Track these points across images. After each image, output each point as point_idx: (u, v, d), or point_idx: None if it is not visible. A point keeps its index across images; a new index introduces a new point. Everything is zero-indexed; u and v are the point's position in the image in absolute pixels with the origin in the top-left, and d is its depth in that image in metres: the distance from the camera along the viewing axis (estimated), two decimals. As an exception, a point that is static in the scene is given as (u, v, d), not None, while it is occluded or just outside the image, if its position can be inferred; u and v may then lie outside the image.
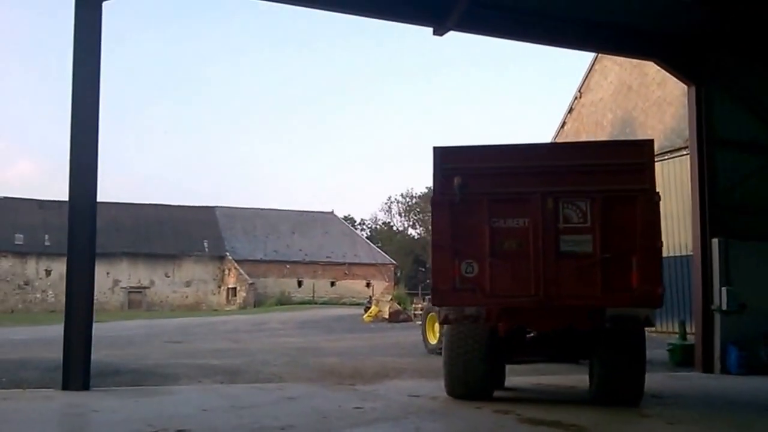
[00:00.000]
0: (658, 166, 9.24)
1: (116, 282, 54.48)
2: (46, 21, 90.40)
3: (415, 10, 11.76)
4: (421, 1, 11.72)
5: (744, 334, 12.62)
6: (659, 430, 7.60)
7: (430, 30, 11.88)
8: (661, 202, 8.26)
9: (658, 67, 19.64)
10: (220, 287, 57.78)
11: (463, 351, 8.66)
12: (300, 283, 58.40)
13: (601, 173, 8.31)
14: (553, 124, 24.92)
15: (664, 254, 8.69)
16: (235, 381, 11.02)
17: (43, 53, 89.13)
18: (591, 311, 8.18)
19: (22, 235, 52.52)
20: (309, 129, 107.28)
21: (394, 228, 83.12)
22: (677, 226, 16.93)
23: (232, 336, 23.24)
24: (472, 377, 8.71)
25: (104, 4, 9.88)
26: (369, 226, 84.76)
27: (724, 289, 12.79)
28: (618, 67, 21.53)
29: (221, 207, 62.28)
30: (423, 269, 76.30)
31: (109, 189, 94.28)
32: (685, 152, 16.34)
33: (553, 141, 23.60)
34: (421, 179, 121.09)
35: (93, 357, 9.81)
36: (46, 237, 49.98)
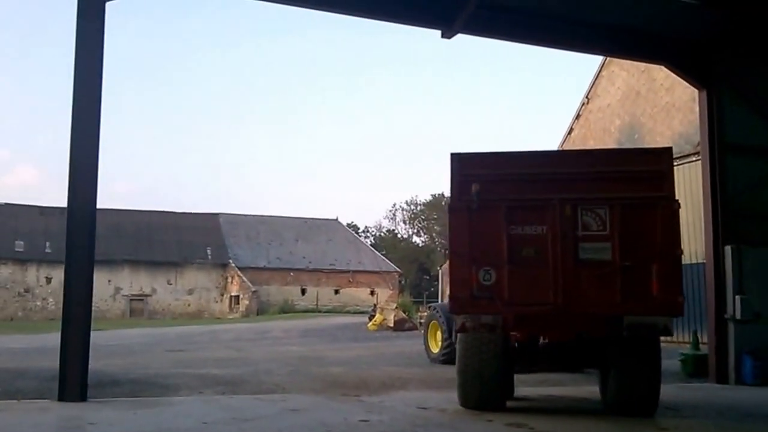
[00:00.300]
0: (667, 172, 9.09)
1: (117, 289, 54.25)
2: (49, 26, 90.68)
3: (423, 13, 11.65)
4: (430, 4, 11.58)
5: (759, 344, 12.32)
6: (678, 444, 7.33)
7: (438, 33, 11.72)
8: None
9: (666, 73, 19.52)
10: (222, 295, 57.51)
11: (478, 360, 8.51)
12: (303, 291, 58.10)
13: (620, 181, 8.27)
14: (560, 130, 24.79)
15: (676, 262, 8.50)
16: (237, 392, 10.73)
17: (46, 58, 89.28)
18: (609, 320, 8.07)
19: (22, 242, 52.22)
20: (314, 136, 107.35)
21: (399, 235, 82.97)
22: (688, 234, 16.59)
23: (235, 345, 23.01)
24: (487, 387, 8.57)
25: (108, 4, 9.66)
26: (373, 233, 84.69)
27: (737, 297, 12.52)
28: (625, 73, 21.32)
29: (225, 214, 62.10)
30: (428, 277, 76.12)
31: (112, 195, 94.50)
32: (694, 158, 16.11)
33: (560, 147, 23.42)
34: (426, 186, 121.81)
35: (92, 366, 9.56)
36: (47, 244, 49.60)
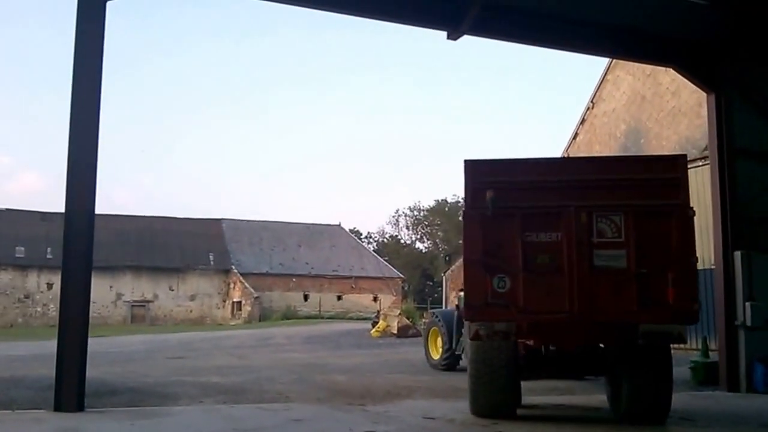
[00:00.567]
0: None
1: (119, 295, 54.13)
2: (52, 32, 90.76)
3: (429, 15, 11.50)
4: (435, 5, 11.43)
5: (770, 351, 12.10)
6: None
7: (444, 34, 11.58)
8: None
9: (672, 77, 19.34)
10: (224, 301, 57.30)
11: (489, 368, 8.49)
12: (306, 297, 57.86)
13: (635, 188, 8.25)
14: (564, 135, 24.55)
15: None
16: (239, 401, 10.50)
17: (51, 62, 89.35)
18: (623, 327, 8.06)
19: (23, 248, 52.17)
20: (317, 141, 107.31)
21: (402, 241, 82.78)
22: (696, 239, 16.39)
23: (237, 351, 22.78)
24: (498, 395, 8.56)
25: (108, 4, 9.47)
26: (376, 239, 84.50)
27: (747, 304, 12.29)
28: (630, 77, 21.12)
29: (228, 219, 61.96)
30: (431, 283, 75.90)
31: (115, 201, 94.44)
32: (701, 163, 15.89)
33: (565, 152, 23.22)
34: (430, 192, 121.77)
35: (90, 374, 9.32)
36: (48, 250, 49.42)
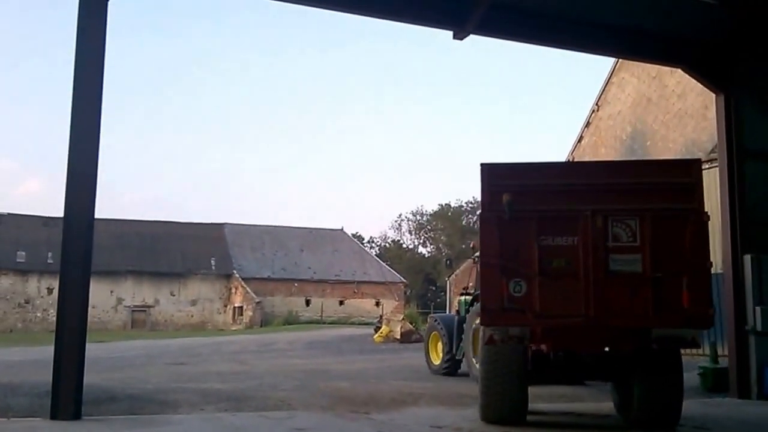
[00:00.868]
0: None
1: (120, 300, 53.94)
2: (55, 37, 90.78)
3: (435, 14, 11.36)
4: (441, 4, 11.28)
5: (782, 357, 11.86)
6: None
7: (450, 34, 11.43)
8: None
9: (678, 80, 19.19)
10: (226, 306, 57.05)
11: (501, 373, 8.48)
12: (308, 302, 57.58)
13: (650, 192, 8.26)
14: (569, 138, 24.35)
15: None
16: (241, 408, 10.26)
17: (54, 69, 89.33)
18: (637, 332, 8.07)
19: (24, 253, 52.02)
20: (319, 146, 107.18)
21: (404, 246, 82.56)
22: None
23: (238, 357, 22.56)
24: (510, 401, 8.55)
25: (110, 3, 9.27)
26: (378, 244, 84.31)
27: (758, 308, 12.05)
28: (636, 80, 20.92)
29: (230, 224, 61.78)
30: (434, 288, 75.66)
31: (116, 205, 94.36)
32: (707, 166, 15.61)
33: (570, 155, 23.00)
34: (433, 197, 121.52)
35: (89, 380, 9.13)
36: (49, 255, 49.16)
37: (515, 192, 8.17)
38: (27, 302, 51.90)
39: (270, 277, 57.33)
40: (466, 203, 79.58)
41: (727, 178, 12.71)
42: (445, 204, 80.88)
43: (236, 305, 56.06)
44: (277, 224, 64.22)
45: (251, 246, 60.31)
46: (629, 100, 21.19)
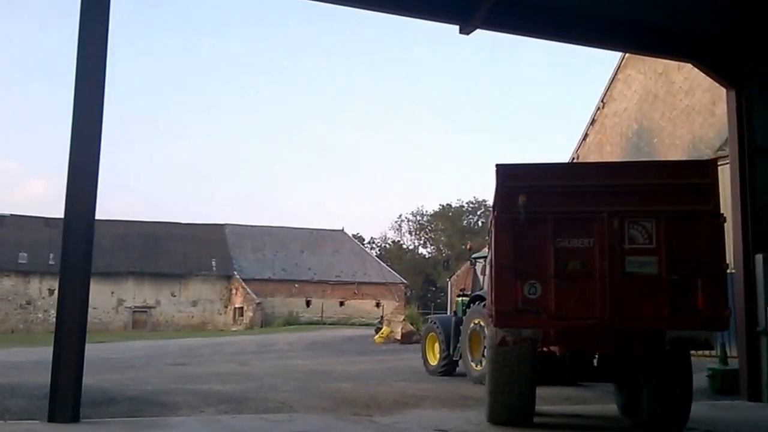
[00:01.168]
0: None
1: (121, 301, 53.94)
2: (58, 39, 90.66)
3: (441, 8, 11.21)
4: (448, -2, 11.14)
5: (794, 359, 11.62)
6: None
7: (456, 29, 11.25)
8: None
9: (685, 76, 18.95)
10: (226, 307, 56.96)
11: (510, 373, 8.42)
12: (308, 303, 57.47)
13: (666, 193, 8.19)
14: (574, 136, 24.08)
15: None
16: (241, 410, 10.04)
17: (58, 70, 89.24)
18: (651, 334, 8.01)
19: (26, 254, 52.09)
20: (319, 146, 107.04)
21: (404, 247, 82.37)
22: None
23: (238, 358, 22.39)
24: (518, 402, 8.51)
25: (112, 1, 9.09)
26: (378, 244, 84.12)
27: (770, 309, 11.84)
28: (642, 76, 20.68)
29: (231, 225, 61.70)
30: (434, 288, 75.45)
31: (118, 206, 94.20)
32: (719, 163, 15.42)
33: (575, 154, 22.78)
34: (433, 197, 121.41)
35: (88, 382, 8.93)
36: (51, 256, 48.91)
37: (531, 193, 8.11)
38: (29, 303, 51.91)
39: (270, 278, 57.25)
40: (467, 203, 79.46)
41: (739, 176, 12.49)
42: (446, 204, 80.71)
43: (237, 306, 55.97)
44: (277, 225, 64.17)
45: (252, 247, 60.22)
46: (635, 96, 20.93)
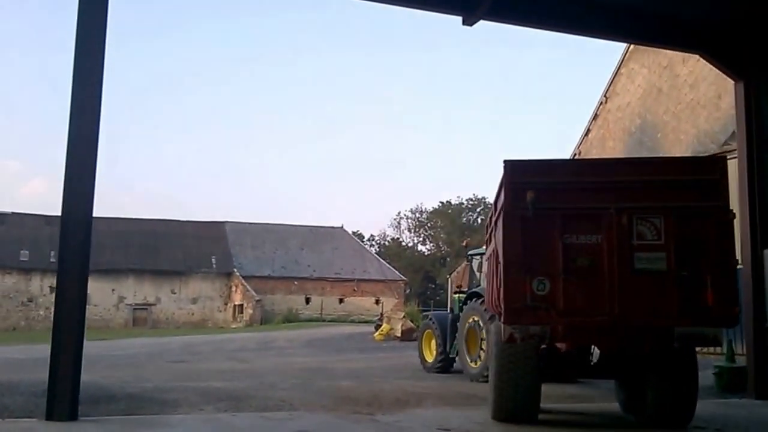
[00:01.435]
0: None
1: (121, 299, 54.07)
2: (62, 36, 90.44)
3: (444, -1, 11.01)
4: (451, -13, 10.94)
5: (803, 356, 11.46)
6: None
7: (459, 20, 10.99)
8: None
9: (689, 69, 18.72)
10: (226, 304, 56.97)
11: (516, 370, 8.36)
12: (308, 300, 57.48)
13: (675, 189, 8.12)
14: (576, 132, 23.91)
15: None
16: (241, 408, 9.88)
17: (59, 69, 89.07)
18: (659, 330, 7.93)
19: (27, 251, 52.27)
20: (319, 143, 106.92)
21: (404, 244, 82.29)
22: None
23: (238, 355, 22.32)
24: (523, 398, 8.43)
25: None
26: (378, 242, 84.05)
27: (778, 305, 11.67)
28: (646, 70, 20.44)
29: (231, 222, 61.67)
30: (433, 285, 75.36)
31: (118, 204, 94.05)
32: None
33: (577, 149, 22.58)
34: (432, 194, 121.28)
35: (88, 379, 8.82)
36: (52, 253, 48.84)
37: (539, 189, 8.04)
38: (30, 300, 52.07)
39: (270, 276, 57.27)
40: (466, 200, 79.34)
41: (747, 169, 12.26)
42: (446, 201, 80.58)
43: (236, 303, 55.96)
44: (277, 222, 64.15)
45: (252, 244, 60.19)
46: (639, 91, 20.66)
